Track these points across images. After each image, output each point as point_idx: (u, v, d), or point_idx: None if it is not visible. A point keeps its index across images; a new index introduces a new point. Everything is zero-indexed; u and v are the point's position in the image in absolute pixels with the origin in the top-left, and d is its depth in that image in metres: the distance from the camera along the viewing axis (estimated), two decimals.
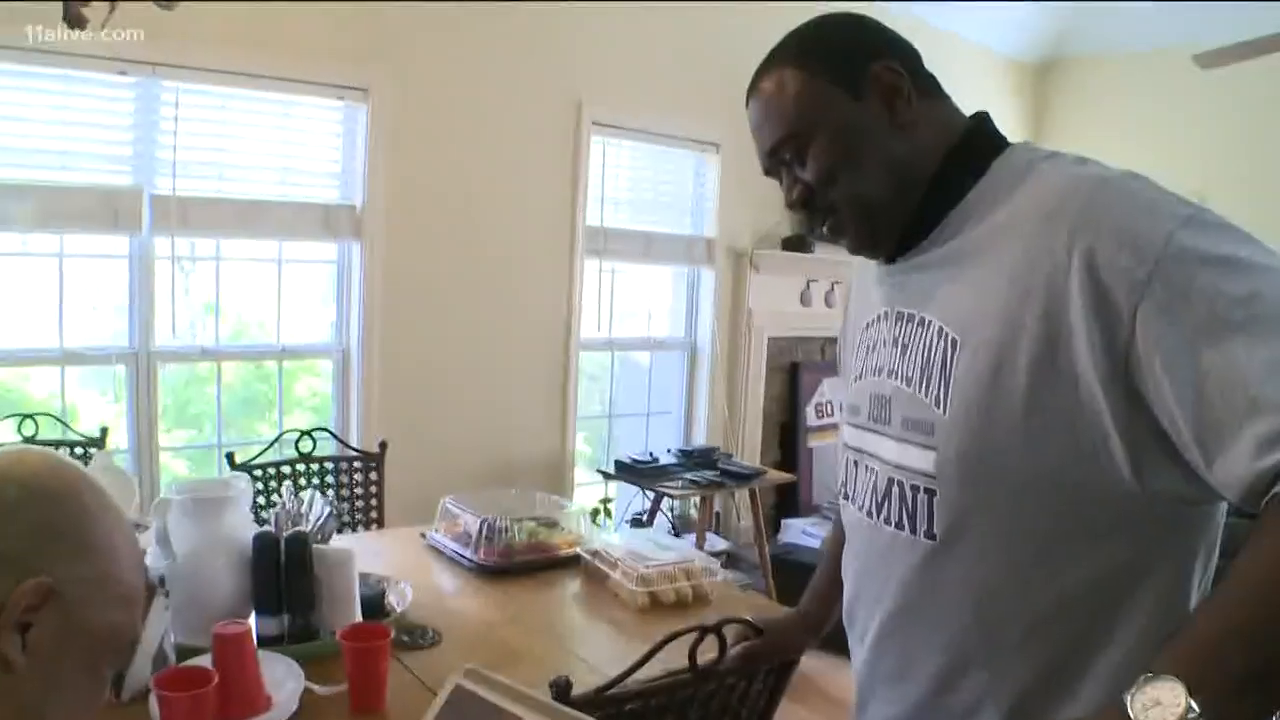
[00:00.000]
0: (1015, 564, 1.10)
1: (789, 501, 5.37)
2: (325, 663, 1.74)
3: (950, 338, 1.11)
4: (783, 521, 5.14)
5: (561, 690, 1.36)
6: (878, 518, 1.24)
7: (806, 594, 1.65)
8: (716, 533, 4.92)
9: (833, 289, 5.44)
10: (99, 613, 0.85)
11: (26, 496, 0.83)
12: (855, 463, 1.31)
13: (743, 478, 4.29)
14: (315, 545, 1.85)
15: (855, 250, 1.26)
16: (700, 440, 5.03)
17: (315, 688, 1.65)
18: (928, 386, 1.14)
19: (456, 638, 1.97)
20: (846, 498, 1.35)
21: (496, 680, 1.35)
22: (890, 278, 1.25)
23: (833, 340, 5.64)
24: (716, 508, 4.99)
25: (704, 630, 1.48)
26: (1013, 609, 1.12)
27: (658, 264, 5.05)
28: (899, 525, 1.19)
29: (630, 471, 4.27)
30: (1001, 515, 1.09)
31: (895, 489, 1.19)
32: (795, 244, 5.19)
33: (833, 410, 5.58)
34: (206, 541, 1.83)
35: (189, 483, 1.96)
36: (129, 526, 0.92)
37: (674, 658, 1.47)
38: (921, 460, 1.14)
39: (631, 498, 4.65)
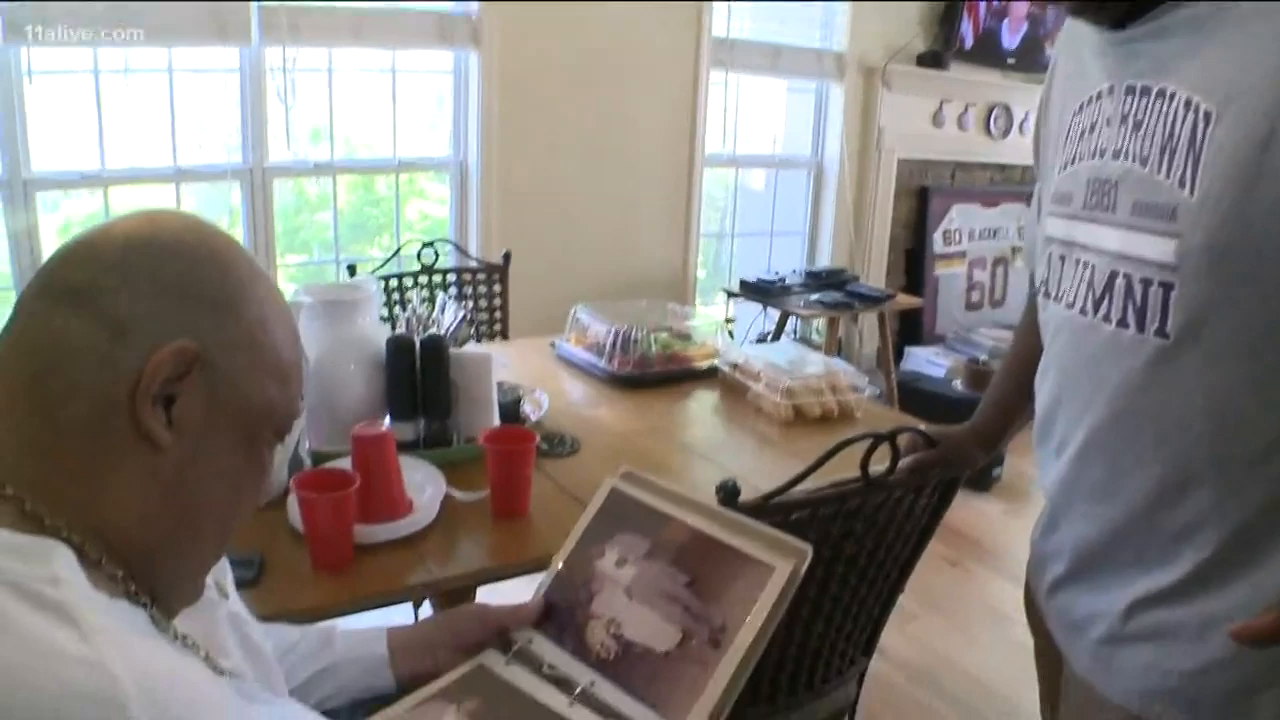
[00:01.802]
0: (1257, 368, 0.95)
1: (912, 330, 5.19)
2: (462, 469, 1.69)
3: (1201, 110, 0.94)
4: (906, 350, 4.98)
5: (730, 494, 1.27)
6: (1094, 315, 1.10)
7: (980, 408, 1.53)
8: (840, 358, 4.79)
9: (966, 111, 5.12)
10: (252, 384, 0.75)
11: (161, 253, 0.72)
12: (1063, 258, 1.17)
13: (872, 300, 4.12)
14: (451, 349, 1.76)
15: (1077, 11, 1.08)
16: (824, 263, 4.85)
17: (456, 493, 1.59)
18: (1170, 165, 0.97)
19: (595, 447, 1.90)
20: (1048, 296, 1.21)
21: (655, 483, 1.26)
22: (1117, 47, 1.06)
23: (965, 165, 5.35)
24: (839, 333, 4.84)
25: (877, 438, 1.37)
26: (1251, 419, 0.97)
27: (785, 78, 4.77)
28: (1122, 323, 1.04)
29: (755, 291, 4.12)
30: (1247, 312, 0.94)
31: (1120, 282, 1.04)
32: (931, 60, 4.85)
33: (961, 238, 5.34)
34: (338, 345, 1.77)
35: (317, 286, 1.88)
36: (282, 299, 0.81)
37: (834, 470, 1.36)
38: (1156, 249, 0.99)
39: (754, 319, 4.51)
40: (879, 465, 1.39)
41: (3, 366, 0.70)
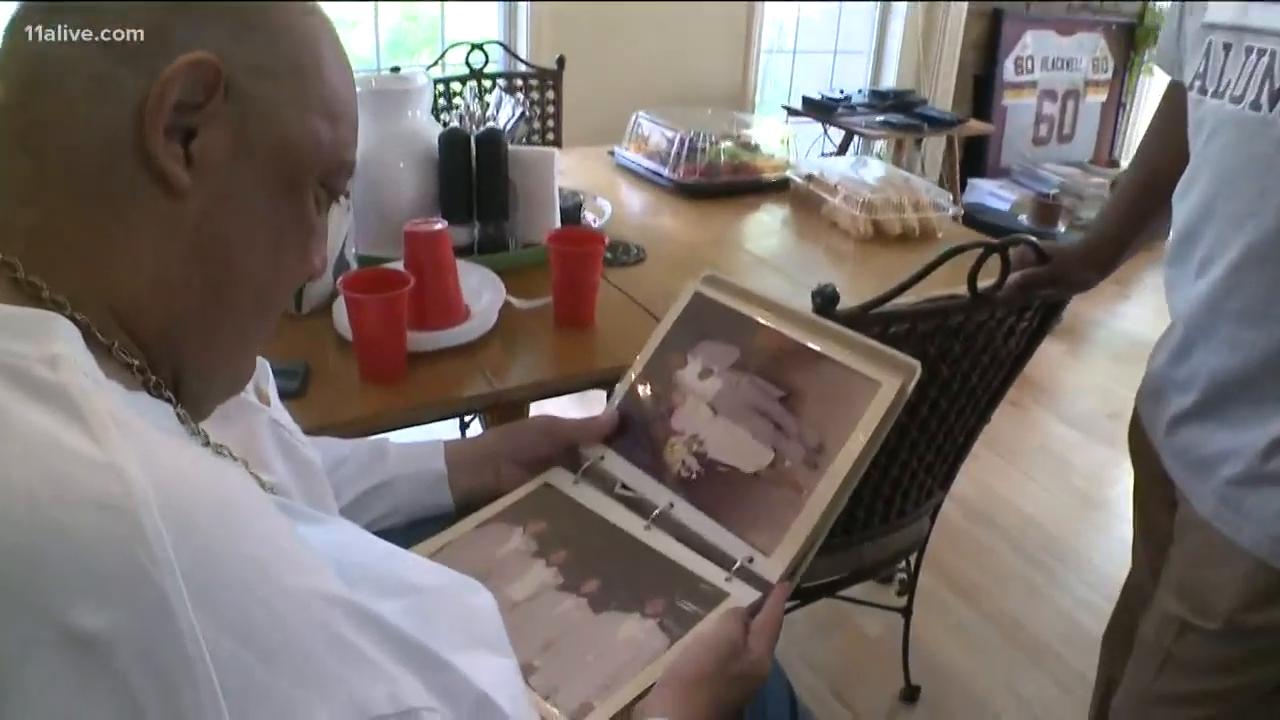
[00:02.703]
0: None
1: (976, 161, 4.93)
2: (520, 275, 1.57)
3: None
4: (969, 181, 4.75)
5: (827, 300, 1.14)
6: (1270, 109, 0.95)
7: (1095, 226, 1.38)
8: None
9: None
10: (293, 117, 0.60)
11: None
12: (1228, 46, 1.03)
13: (942, 124, 3.89)
14: (510, 146, 1.61)
15: None
16: (889, 85, 4.58)
17: (515, 300, 1.47)
18: None
19: (661, 256, 1.77)
20: (1204, 92, 1.07)
21: (740, 287, 1.12)
22: None
23: None
24: (904, 158, 4.62)
25: (989, 248, 1.23)
26: None
27: None
28: None
29: (818, 109, 3.89)
30: None
31: None
32: None
33: (1033, 67, 5.02)
34: (387, 140, 1.61)
35: (363, 76, 1.71)
36: (337, 36, 0.65)
37: (926, 289, 1.24)
38: None
39: (815, 140, 4.29)
40: (984, 281, 1.26)
41: None
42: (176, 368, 0.61)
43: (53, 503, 0.44)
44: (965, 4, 4.66)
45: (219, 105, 0.56)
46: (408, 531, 1.04)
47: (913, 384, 0.97)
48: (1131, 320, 4.06)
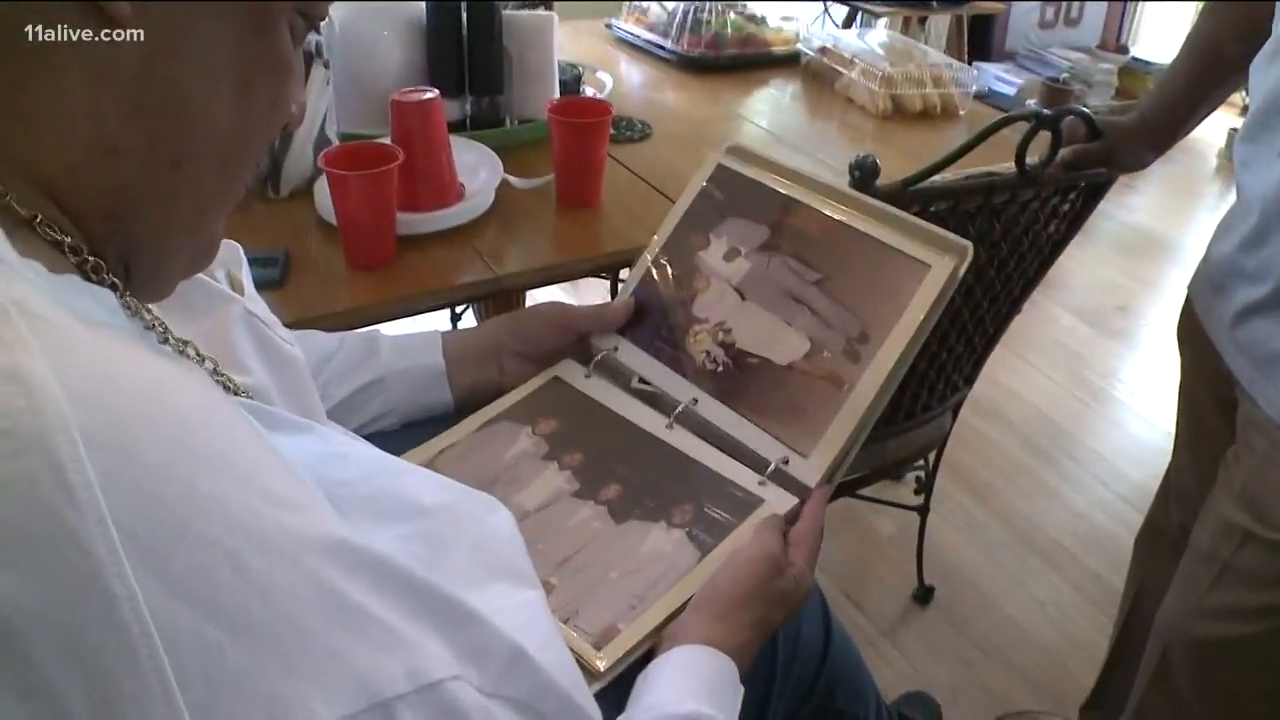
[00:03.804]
0: None
1: (982, 43, 4.74)
2: (517, 153, 1.45)
3: None
4: (974, 65, 4.57)
5: (867, 173, 1.02)
6: None
7: (1151, 99, 1.25)
8: None
9: None
10: None
11: None
12: None
13: (951, 1, 3.70)
14: (504, 10, 1.47)
15: None
16: None
17: (513, 179, 1.35)
18: None
19: (666, 133, 1.65)
20: None
21: (768, 159, 1.00)
22: None
23: None
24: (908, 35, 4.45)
25: (1040, 120, 1.11)
26: None
27: None
28: None
29: None
30: None
31: None
32: None
33: None
34: (369, 7, 1.47)
35: None
36: None
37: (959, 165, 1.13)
38: None
39: (817, 15, 4.09)
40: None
41: None
42: (125, 247, 0.49)
43: None
44: None
45: None
46: (402, 434, 0.94)
47: (965, 266, 0.87)
48: (1141, 213, 3.95)
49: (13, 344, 0.35)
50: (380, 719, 0.41)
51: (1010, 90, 4.30)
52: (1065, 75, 4.25)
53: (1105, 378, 2.79)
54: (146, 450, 0.36)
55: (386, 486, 0.55)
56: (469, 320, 2.28)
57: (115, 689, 0.33)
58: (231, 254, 0.75)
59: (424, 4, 1.49)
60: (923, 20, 4.26)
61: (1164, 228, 3.89)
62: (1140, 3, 5.37)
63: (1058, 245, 1.38)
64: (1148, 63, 4.31)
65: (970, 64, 4.47)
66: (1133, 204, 4.00)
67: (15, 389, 0.33)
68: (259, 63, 0.50)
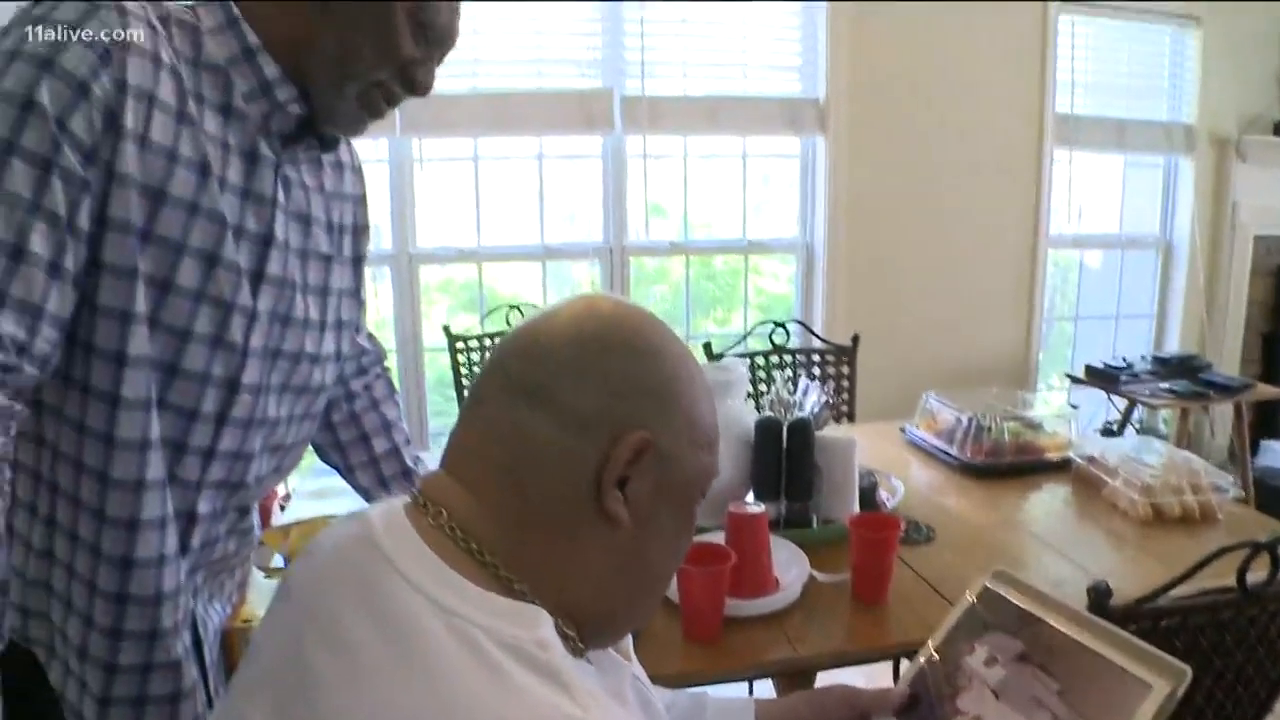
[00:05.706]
0: None
1: (1269, 421, 4.74)
2: (821, 549, 1.77)
3: None
4: (1261, 443, 4.57)
5: (1101, 595, 1.27)
6: None
7: None
8: (1187, 451, 4.46)
9: None
10: (690, 459, 0.84)
11: (606, 351, 0.82)
12: None
13: (1228, 390, 3.81)
14: (817, 433, 1.86)
15: None
16: (1172, 348, 4.58)
17: (819, 575, 1.67)
18: None
19: (950, 536, 1.92)
20: None
21: (1025, 584, 1.27)
22: None
23: None
24: (1189, 424, 4.54)
25: (1257, 546, 1.32)
26: None
27: (1132, 153, 4.57)
28: None
29: (1100, 377, 3.94)
30: None
31: None
32: None
33: None
34: None
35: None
36: (697, 365, 0.89)
37: (1202, 576, 1.31)
38: None
39: (1097, 407, 4.32)
40: (1254, 575, 1.34)
41: (480, 450, 0.82)
42: (590, 634, 0.84)
43: None
44: (1249, 262, 4.65)
45: (646, 461, 0.81)
46: None
47: (1182, 689, 1.05)
48: None
49: (590, 712, 0.69)
50: None
51: None
52: None
53: None
54: None
55: None
56: (764, 688, 2.54)
57: None
58: None
59: (752, 424, 1.90)
60: (1205, 407, 4.35)
61: None
62: None
63: None
64: None
65: (1257, 445, 4.50)
66: None
67: None
68: (684, 530, 0.87)
